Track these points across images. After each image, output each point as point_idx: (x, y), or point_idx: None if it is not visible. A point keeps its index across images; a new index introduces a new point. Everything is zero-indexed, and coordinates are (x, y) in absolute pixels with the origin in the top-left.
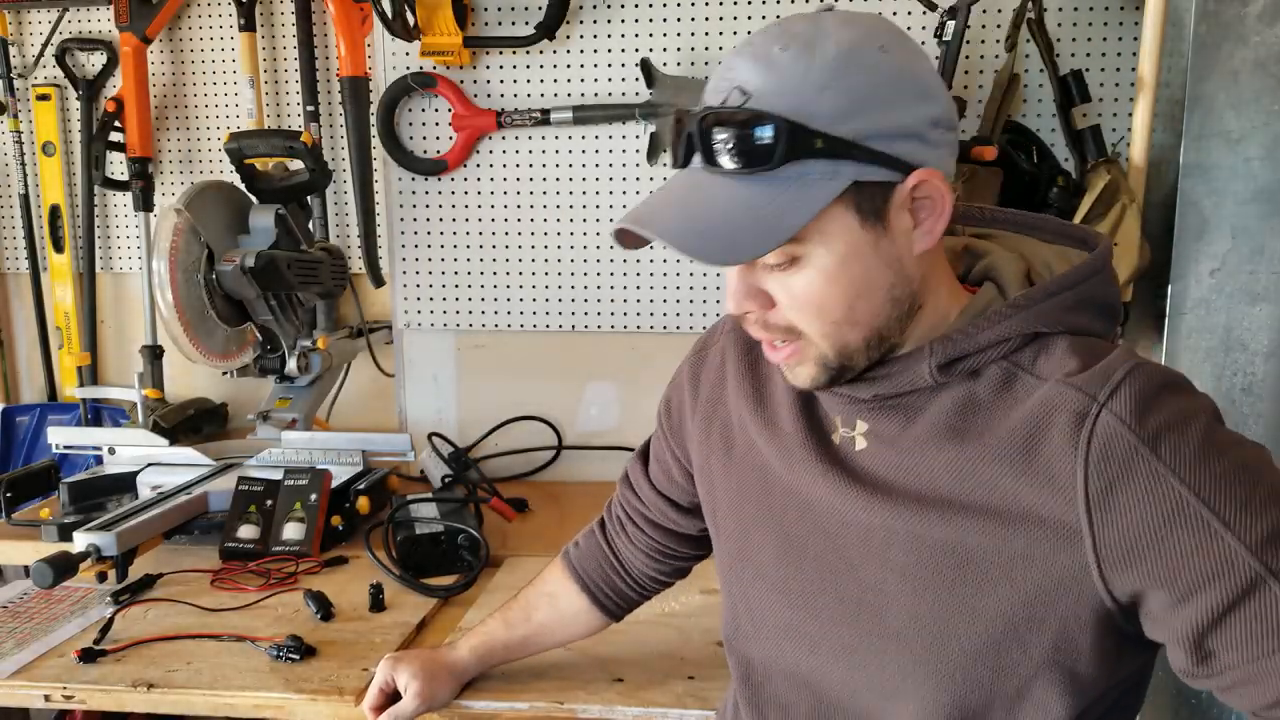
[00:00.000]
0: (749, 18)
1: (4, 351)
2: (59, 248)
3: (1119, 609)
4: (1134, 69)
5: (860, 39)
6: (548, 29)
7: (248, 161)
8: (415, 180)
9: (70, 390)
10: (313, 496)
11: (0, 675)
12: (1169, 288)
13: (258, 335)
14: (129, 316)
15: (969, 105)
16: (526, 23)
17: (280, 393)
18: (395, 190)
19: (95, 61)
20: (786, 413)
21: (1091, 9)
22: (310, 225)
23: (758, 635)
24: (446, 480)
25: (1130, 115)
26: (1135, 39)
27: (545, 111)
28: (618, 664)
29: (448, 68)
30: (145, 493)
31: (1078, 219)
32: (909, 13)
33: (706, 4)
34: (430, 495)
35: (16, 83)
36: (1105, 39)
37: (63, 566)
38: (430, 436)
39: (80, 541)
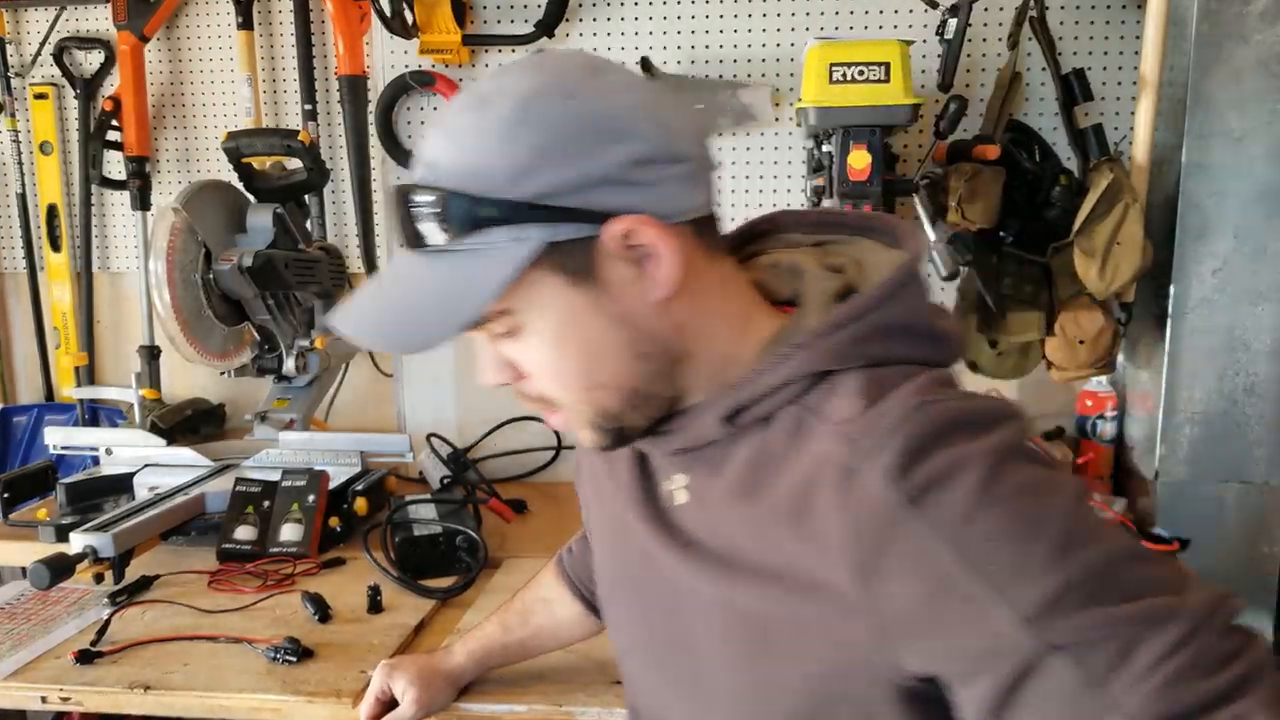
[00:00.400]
0: (749, 15)
1: (1, 351)
2: (56, 247)
3: (921, 683)
4: (1136, 68)
5: (539, 88)
6: (547, 27)
7: (245, 160)
8: None
9: (67, 390)
10: (310, 497)
11: None
12: (1171, 287)
13: (255, 335)
14: (126, 316)
15: (971, 104)
16: (525, 20)
17: (278, 393)
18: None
19: (93, 60)
20: (623, 462)
21: (1094, 7)
22: (308, 224)
23: (631, 688)
24: (445, 481)
25: (1133, 114)
26: (1137, 38)
27: None
28: (617, 666)
29: (446, 66)
30: (142, 493)
31: (1080, 218)
32: (911, 11)
33: (706, 3)
34: (429, 496)
35: (14, 81)
36: (1107, 38)
37: (60, 568)
38: (429, 437)
39: (77, 542)
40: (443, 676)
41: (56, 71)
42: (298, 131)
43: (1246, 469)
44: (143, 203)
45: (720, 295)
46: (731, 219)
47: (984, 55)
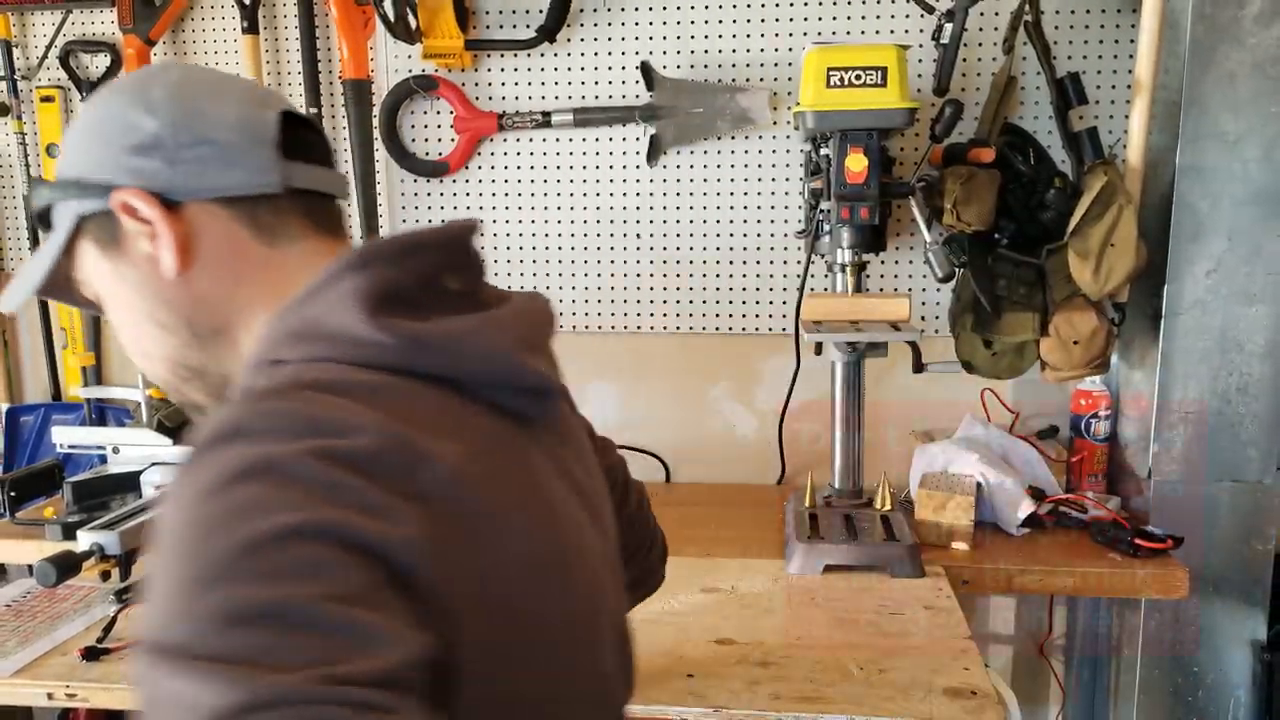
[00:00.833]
0: (748, 20)
1: (8, 351)
2: None
3: None
4: (1131, 71)
5: (101, 95)
6: (549, 32)
7: None
8: (417, 182)
9: (74, 390)
10: None
11: (3, 674)
12: (1165, 289)
13: None
14: None
15: (967, 107)
16: (528, 25)
17: None
18: (397, 192)
19: (99, 63)
20: None
21: (1089, 11)
22: None
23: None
24: None
25: (1127, 117)
26: (1132, 41)
27: (546, 114)
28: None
29: (449, 70)
30: (149, 492)
31: (1075, 220)
32: (907, 15)
33: (706, 7)
34: None
35: (20, 84)
36: (1102, 41)
37: (66, 565)
38: None
39: (84, 540)
40: None
41: (63, 74)
42: None
43: (1240, 468)
44: None
45: (262, 277)
46: (732, 220)
47: (979, 59)
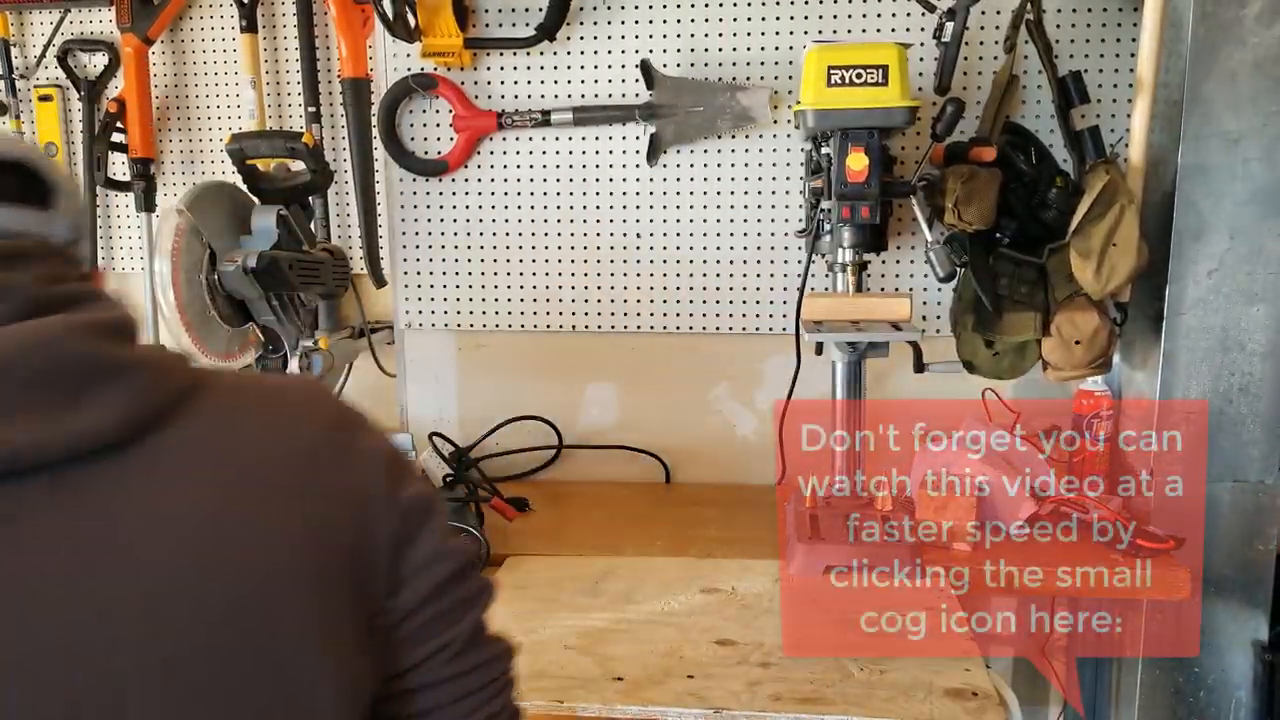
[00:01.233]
0: (749, 19)
1: None
2: None
3: None
4: (1133, 70)
5: None
6: (548, 30)
7: (249, 162)
8: (416, 181)
9: None
10: None
11: None
12: (1167, 288)
13: (260, 335)
14: None
15: (968, 106)
16: (527, 24)
17: None
18: (397, 191)
19: (97, 62)
20: None
21: (1090, 10)
22: (312, 226)
23: None
24: (447, 479)
25: (1129, 116)
26: (1134, 40)
27: (546, 113)
28: (618, 662)
29: (449, 69)
30: None
31: (1076, 219)
32: (908, 14)
33: (706, 5)
34: None
35: (18, 83)
36: (1104, 40)
37: None
38: (431, 436)
39: None
40: None
41: (61, 74)
42: (301, 134)
43: (1241, 468)
44: (147, 204)
45: None
46: (732, 220)
47: (981, 58)
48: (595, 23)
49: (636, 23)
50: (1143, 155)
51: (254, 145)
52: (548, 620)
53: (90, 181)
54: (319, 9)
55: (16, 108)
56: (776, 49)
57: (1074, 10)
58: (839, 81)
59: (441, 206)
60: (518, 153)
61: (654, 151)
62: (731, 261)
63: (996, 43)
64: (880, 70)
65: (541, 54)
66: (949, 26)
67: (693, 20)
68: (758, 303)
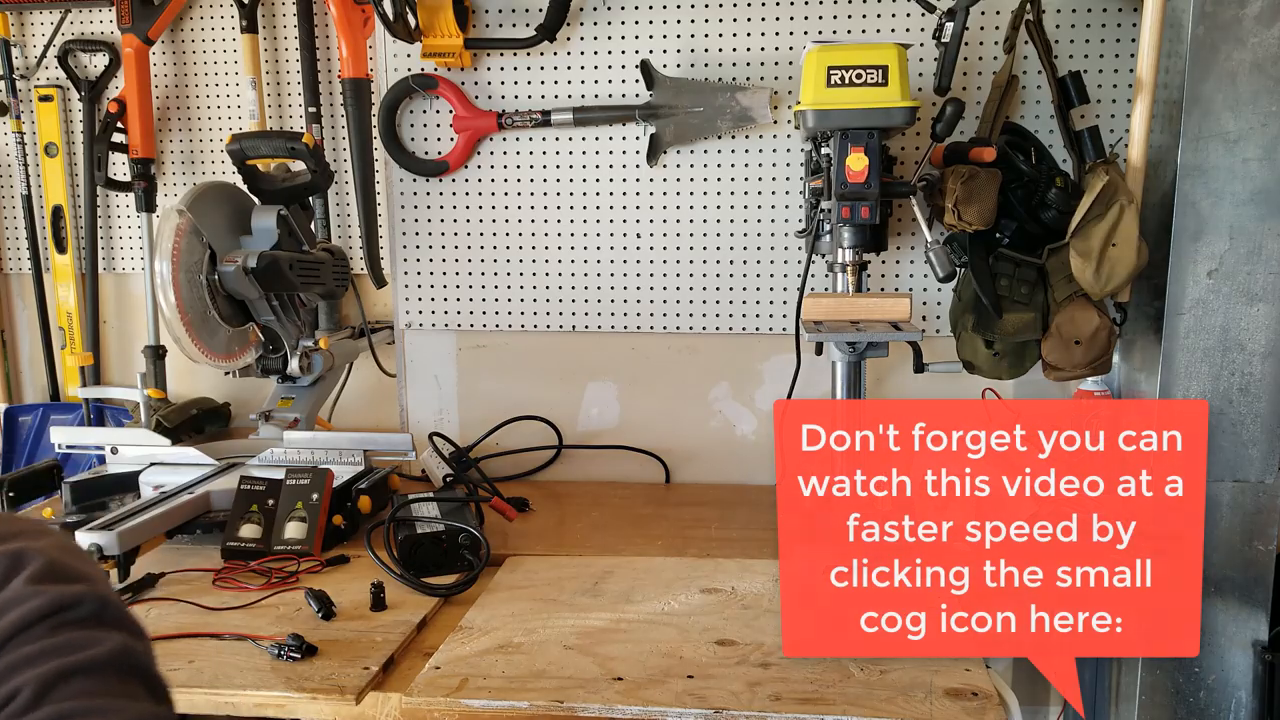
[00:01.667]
0: (749, 19)
1: (7, 351)
2: (61, 248)
3: None
4: (1132, 70)
5: None
6: (548, 31)
7: (250, 162)
8: (417, 181)
9: (73, 390)
10: (314, 496)
11: None
12: (1167, 288)
13: (260, 335)
14: (131, 317)
15: (968, 107)
16: (527, 25)
17: (282, 393)
18: (397, 191)
19: (97, 63)
20: None
21: (1090, 10)
22: (312, 226)
23: None
24: (448, 479)
25: (1128, 116)
26: (1133, 40)
27: (546, 113)
28: (617, 662)
29: (449, 69)
30: (147, 492)
31: (1076, 219)
32: (908, 14)
33: (706, 6)
34: (431, 495)
35: (19, 83)
36: (1104, 40)
37: None
38: (431, 436)
39: (83, 541)
40: None
41: (61, 74)
42: (302, 134)
43: (1242, 468)
44: (148, 204)
45: None
46: (732, 220)
47: (980, 58)
48: (595, 23)
49: (636, 23)
50: (1142, 155)
51: (254, 145)
52: (547, 620)
53: (90, 182)
54: (319, 9)
55: (17, 108)
56: (776, 49)
57: (1074, 10)
58: (839, 82)
59: (441, 207)
60: (518, 153)
61: (654, 152)
62: (731, 261)
63: (996, 43)
64: (880, 70)
65: (541, 54)
66: (949, 27)
67: (693, 20)
68: (758, 303)
